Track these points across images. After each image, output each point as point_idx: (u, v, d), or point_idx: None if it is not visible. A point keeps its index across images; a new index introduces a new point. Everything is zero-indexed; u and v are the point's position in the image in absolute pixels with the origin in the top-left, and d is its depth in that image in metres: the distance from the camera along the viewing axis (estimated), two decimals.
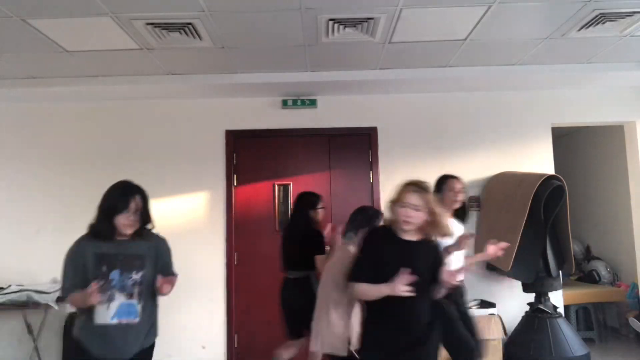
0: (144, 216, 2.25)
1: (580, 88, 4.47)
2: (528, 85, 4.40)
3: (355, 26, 3.19)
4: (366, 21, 3.11)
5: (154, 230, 2.33)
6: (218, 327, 4.23)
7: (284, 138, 4.50)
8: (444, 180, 3.21)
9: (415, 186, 2.18)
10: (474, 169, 4.36)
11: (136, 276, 2.20)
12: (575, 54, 3.78)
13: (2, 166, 4.39)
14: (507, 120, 4.47)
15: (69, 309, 4.10)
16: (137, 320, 2.19)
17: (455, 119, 4.48)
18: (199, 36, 3.25)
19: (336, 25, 3.15)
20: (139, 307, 2.20)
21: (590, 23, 3.19)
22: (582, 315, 4.92)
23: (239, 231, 4.35)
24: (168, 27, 3.11)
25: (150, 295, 2.25)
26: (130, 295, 2.19)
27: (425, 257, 2.18)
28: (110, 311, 2.16)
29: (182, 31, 3.17)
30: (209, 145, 4.43)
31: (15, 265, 4.22)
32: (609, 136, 5.20)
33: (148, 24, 3.06)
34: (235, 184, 4.43)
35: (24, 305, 3.80)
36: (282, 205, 4.43)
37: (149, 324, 2.27)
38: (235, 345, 4.25)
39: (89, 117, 4.46)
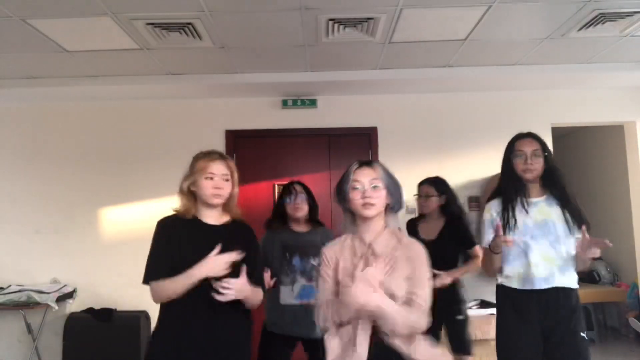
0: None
1: (580, 88, 4.47)
2: (528, 85, 4.40)
3: (355, 26, 3.19)
4: (366, 21, 3.11)
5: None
6: None
7: (284, 138, 4.50)
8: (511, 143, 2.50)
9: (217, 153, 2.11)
10: (474, 169, 4.36)
11: (314, 262, 2.54)
12: (575, 54, 3.78)
13: (2, 166, 4.39)
14: (507, 120, 4.47)
15: (69, 308, 4.11)
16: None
17: (455, 119, 4.48)
18: (199, 36, 3.25)
19: (336, 25, 3.15)
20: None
21: (590, 23, 3.19)
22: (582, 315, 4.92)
23: None
24: (168, 27, 3.11)
25: None
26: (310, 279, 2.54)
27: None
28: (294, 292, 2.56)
29: (182, 31, 3.17)
30: (209, 145, 4.35)
31: (15, 265, 4.22)
32: (609, 136, 5.20)
33: (148, 24, 3.06)
34: None
35: (24, 305, 3.81)
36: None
37: None
38: None
39: (89, 117, 4.45)
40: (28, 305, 3.80)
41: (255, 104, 4.47)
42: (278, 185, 4.46)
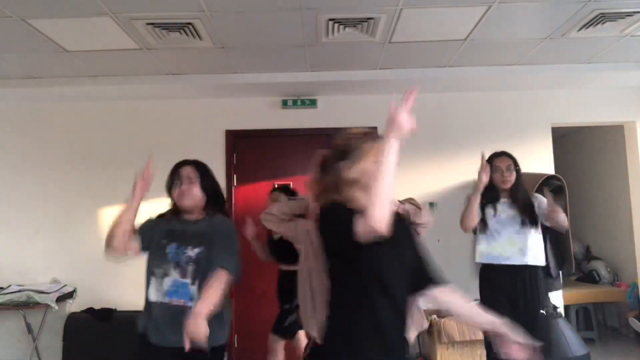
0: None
1: (580, 88, 4.47)
2: (528, 85, 4.40)
3: (355, 26, 3.19)
4: (366, 21, 3.11)
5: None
6: None
7: (284, 138, 4.50)
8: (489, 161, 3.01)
9: None
10: (474, 169, 4.33)
11: (191, 252, 2.07)
12: (575, 54, 3.78)
13: (2, 166, 4.39)
14: (507, 120, 4.47)
15: (69, 308, 4.12)
16: (191, 304, 1.97)
17: (456, 119, 4.48)
18: (199, 36, 3.25)
19: (336, 25, 3.15)
20: (192, 289, 2.03)
21: (590, 23, 3.19)
22: (582, 315, 4.92)
23: (239, 231, 4.34)
24: (168, 27, 3.11)
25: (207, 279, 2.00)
26: (184, 273, 2.05)
27: None
28: (164, 288, 2.06)
29: (182, 31, 3.17)
30: (209, 145, 4.43)
31: (15, 265, 4.22)
32: (609, 136, 5.20)
33: (148, 24, 3.06)
34: (235, 184, 4.43)
35: (24, 305, 3.81)
36: None
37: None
38: (236, 345, 4.25)
39: (89, 117, 4.46)
40: (28, 305, 3.80)
41: (255, 104, 4.47)
42: (278, 185, 4.46)
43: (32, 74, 3.92)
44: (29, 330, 3.96)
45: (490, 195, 2.90)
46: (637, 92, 4.47)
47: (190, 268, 2.05)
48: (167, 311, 2.01)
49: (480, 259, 2.91)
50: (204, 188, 2.19)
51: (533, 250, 2.83)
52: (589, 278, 5.26)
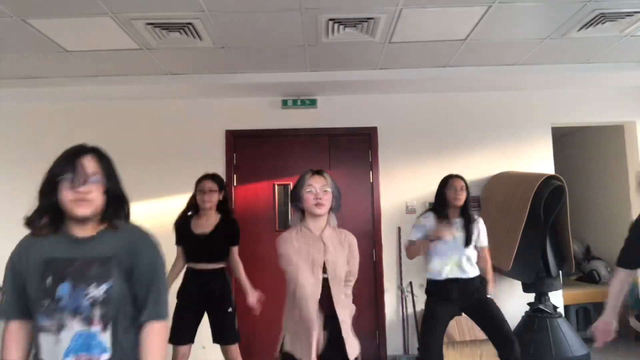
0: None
1: (580, 88, 4.48)
2: (528, 85, 4.40)
3: (355, 26, 3.19)
4: (366, 21, 3.11)
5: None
6: None
7: (284, 138, 4.50)
8: (446, 180, 3.28)
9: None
10: (474, 169, 4.36)
11: (96, 291, 1.43)
12: (575, 54, 3.78)
13: (2, 166, 4.39)
14: (507, 120, 4.47)
15: None
16: (106, 357, 1.43)
17: (455, 119, 4.48)
18: (199, 36, 3.25)
19: (336, 25, 3.16)
20: (104, 338, 1.43)
21: (590, 23, 3.19)
22: (582, 315, 4.92)
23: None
24: (168, 27, 3.11)
25: (125, 320, 1.48)
26: (89, 321, 1.42)
27: None
28: (62, 344, 1.41)
29: (182, 31, 3.17)
30: (209, 145, 4.43)
31: None
32: (609, 136, 5.20)
33: (148, 24, 3.06)
34: (235, 184, 4.43)
35: None
36: (282, 205, 4.43)
37: None
38: None
39: (88, 117, 4.46)
40: None
41: (255, 104, 4.47)
42: (278, 185, 4.46)
43: (32, 74, 3.92)
44: None
45: (442, 212, 3.20)
46: (637, 92, 4.47)
47: (97, 312, 1.43)
48: None
49: (431, 275, 3.17)
50: (107, 188, 1.53)
51: (472, 265, 3.16)
52: (589, 278, 5.25)
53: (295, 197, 2.22)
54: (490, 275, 3.25)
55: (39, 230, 1.56)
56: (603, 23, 3.19)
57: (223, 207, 3.34)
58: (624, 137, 4.72)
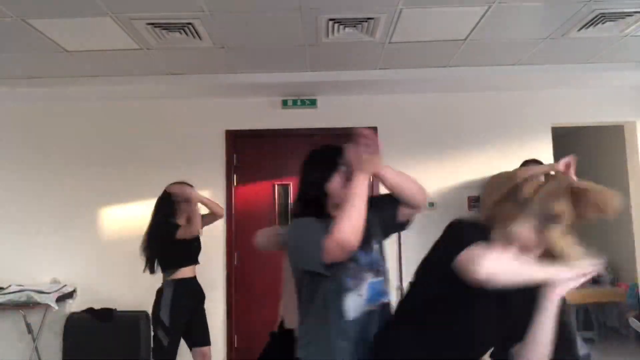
0: None
1: (580, 88, 4.47)
2: (528, 85, 4.40)
3: (355, 26, 3.19)
4: (366, 21, 3.11)
5: None
6: (218, 327, 4.22)
7: (284, 138, 4.50)
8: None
9: None
10: (474, 169, 4.36)
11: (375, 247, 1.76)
12: (575, 54, 3.78)
13: (2, 166, 4.39)
14: (507, 120, 4.47)
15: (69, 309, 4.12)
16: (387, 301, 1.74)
17: (455, 119, 4.47)
18: (199, 36, 3.25)
19: (336, 25, 3.15)
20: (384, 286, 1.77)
21: (590, 23, 3.18)
22: (582, 315, 4.92)
23: (239, 231, 4.35)
24: (168, 27, 3.11)
25: None
26: (377, 272, 1.72)
27: None
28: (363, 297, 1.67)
29: (182, 31, 3.17)
30: (209, 145, 4.43)
31: (15, 265, 4.22)
32: (609, 136, 5.20)
33: (148, 24, 3.06)
34: (235, 184, 4.43)
35: (24, 305, 3.81)
36: (282, 205, 4.43)
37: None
38: (235, 345, 4.25)
39: (88, 117, 4.46)
40: (28, 305, 3.80)
41: (255, 104, 4.47)
42: (278, 185, 4.46)
43: (32, 74, 3.92)
44: (29, 330, 3.96)
45: None
46: (637, 92, 4.47)
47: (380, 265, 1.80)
48: None
49: None
50: None
51: None
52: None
53: None
54: None
55: None
56: (603, 23, 3.19)
57: None
58: (624, 137, 4.71)
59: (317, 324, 1.67)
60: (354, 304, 1.64)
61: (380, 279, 1.73)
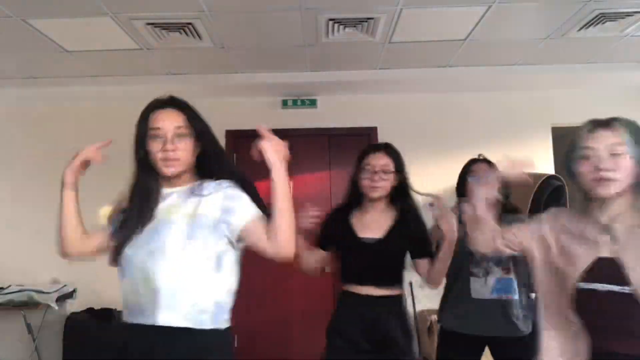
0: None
1: (580, 88, 4.47)
2: (528, 85, 4.40)
3: (355, 26, 3.19)
4: (366, 21, 3.11)
5: None
6: None
7: (284, 138, 4.47)
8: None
9: None
10: None
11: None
12: (575, 54, 3.78)
13: (2, 166, 4.39)
14: (507, 120, 4.47)
15: (69, 309, 4.11)
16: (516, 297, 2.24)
17: (455, 119, 4.47)
18: (199, 36, 3.25)
19: (336, 25, 3.16)
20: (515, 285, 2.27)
21: (590, 23, 3.19)
22: None
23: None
24: (168, 27, 3.11)
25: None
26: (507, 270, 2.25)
27: None
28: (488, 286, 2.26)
29: (182, 31, 3.17)
30: None
31: (15, 265, 4.22)
32: None
33: (148, 24, 3.06)
34: None
35: (24, 305, 3.81)
36: None
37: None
38: (235, 345, 4.24)
39: (89, 117, 4.45)
40: (28, 305, 3.80)
41: (255, 104, 4.47)
42: None
43: (32, 74, 3.92)
44: (29, 330, 3.95)
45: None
46: (637, 92, 4.47)
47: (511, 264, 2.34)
48: None
49: None
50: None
51: None
52: None
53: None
54: None
55: None
56: (603, 23, 3.19)
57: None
58: None
59: None
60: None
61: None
